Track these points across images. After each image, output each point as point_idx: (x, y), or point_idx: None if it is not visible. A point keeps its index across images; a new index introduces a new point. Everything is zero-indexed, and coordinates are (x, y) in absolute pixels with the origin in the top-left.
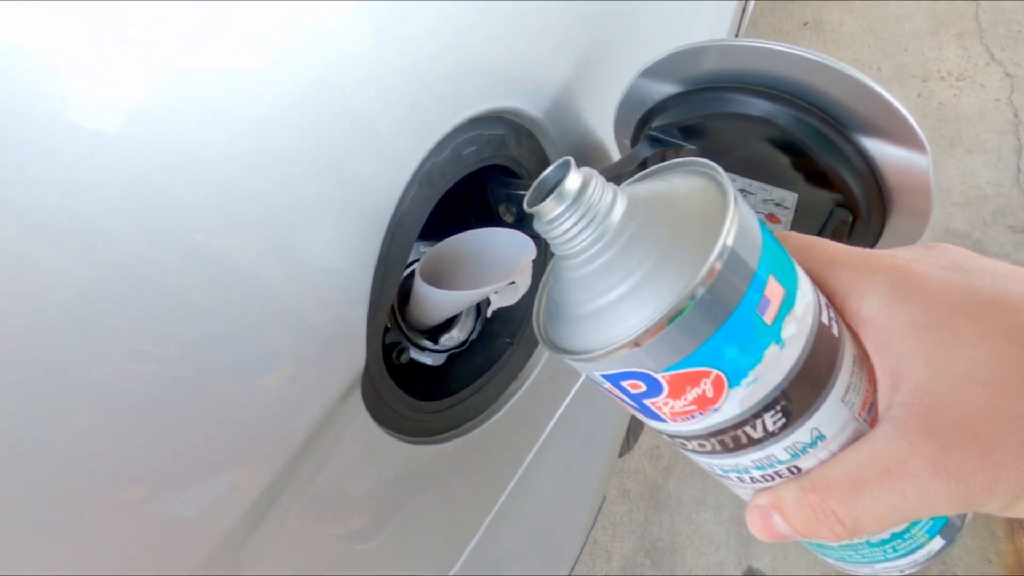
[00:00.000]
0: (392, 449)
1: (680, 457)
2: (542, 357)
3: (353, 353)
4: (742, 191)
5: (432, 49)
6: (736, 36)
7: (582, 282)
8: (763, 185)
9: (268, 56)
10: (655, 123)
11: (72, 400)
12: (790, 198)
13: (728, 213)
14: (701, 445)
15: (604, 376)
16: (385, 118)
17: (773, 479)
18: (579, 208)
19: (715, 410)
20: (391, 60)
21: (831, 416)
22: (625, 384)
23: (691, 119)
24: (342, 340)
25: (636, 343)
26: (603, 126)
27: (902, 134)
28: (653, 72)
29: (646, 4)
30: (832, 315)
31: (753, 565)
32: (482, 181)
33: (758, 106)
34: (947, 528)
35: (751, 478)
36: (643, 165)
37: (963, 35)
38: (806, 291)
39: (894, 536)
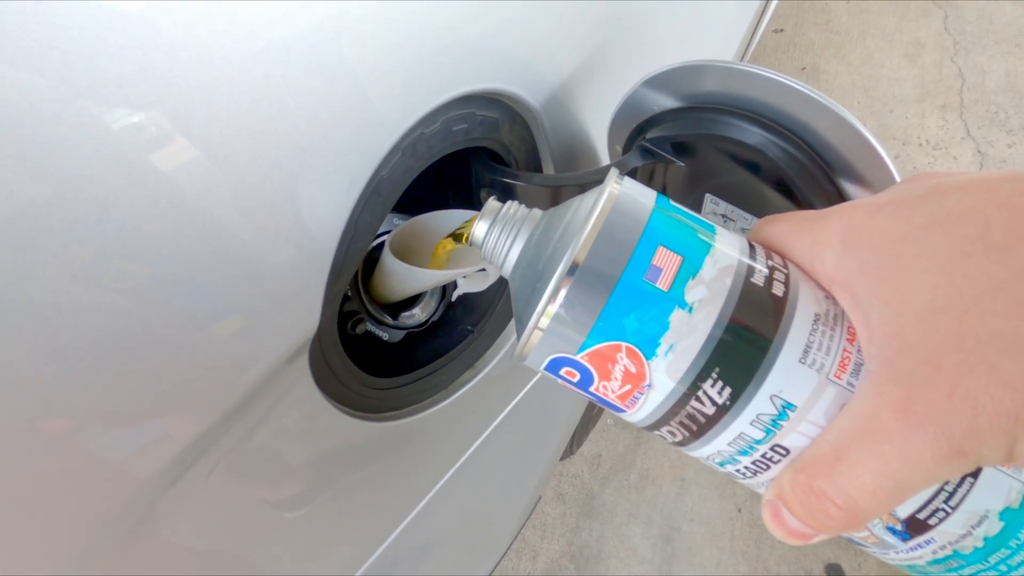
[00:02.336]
0: (333, 420)
1: (618, 468)
2: (501, 349)
3: (307, 315)
4: (723, 216)
5: (442, 17)
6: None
7: (516, 291)
8: (744, 213)
9: None
10: (649, 134)
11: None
12: None
13: (597, 201)
14: (673, 434)
15: (546, 369)
16: (378, 79)
17: (768, 466)
18: (498, 224)
19: (648, 386)
20: (395, 21)
21: (791, 380)
22: (563, 374)
23: (685, 136)
24: (298, 300)
25: (538, 327)
26: (596, 129)
27: (884, 185)
28: (656, 82)
29: (660, 19)
30: (782, 276)
31: None
32: (467, 163)
33: (752, 134)
34: None
35: (747, 469)
36: (632, 175)
37: (945, 108)
38: (723, 255)
39: (990, 543)
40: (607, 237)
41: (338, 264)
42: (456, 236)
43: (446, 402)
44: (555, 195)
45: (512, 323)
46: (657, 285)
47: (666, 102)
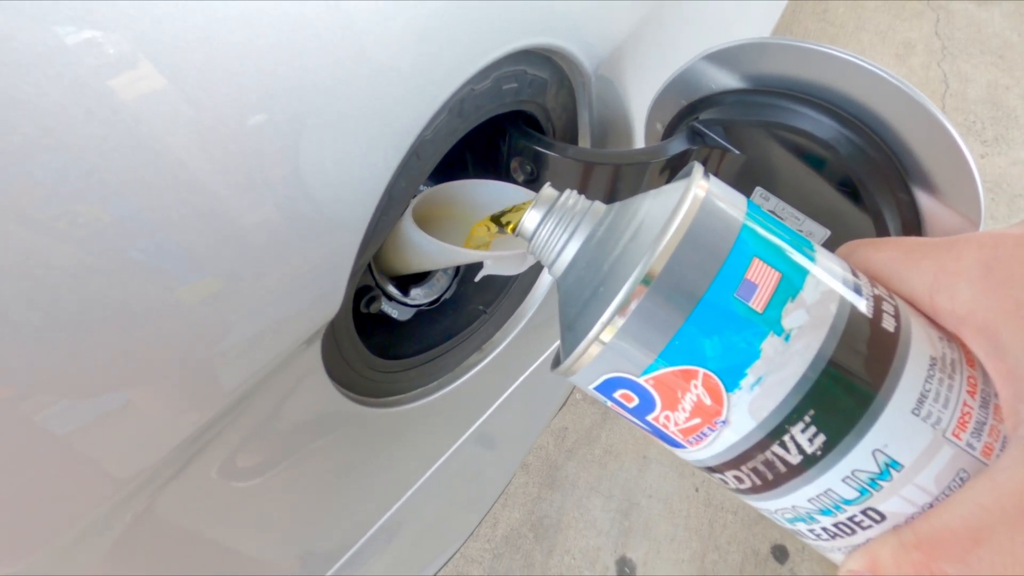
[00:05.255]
0: (339, 407)
1: (583, 443)
2: (511, 332)
3: (330, 294)
4: (772, 212)
5: None
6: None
7: (567, 294)
8: (796, 213)
9: None
10: (703, 115)
11: None
12: (820, 234)
13: (683, 200)
14: (740, 480)
15: (596, 389)
16: (434, 27)
17: (853, 531)
18: (554, 215)
19: (723, 423)
20: None
21: (900, 434)
22: (618, 397)
23: (744, 121)
24: (322, 277)
25: (599, 339)
26: (639, 105)
27: (965, 202)
28: (719, 58)
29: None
30: (891, 308)
31: (628, 555)
32: (494, 127)
33: (824, 127)
34: None
35: (825, 531)
36: (680, 157)
37: None
38: (826, 278)
39: None
40: (693, 242)
41: (368, 237)
42: (499, 221)
43: (449, 387)
44: (586, 171)
45: (525, 304)
46: (750, 304)
47: (727, 81)
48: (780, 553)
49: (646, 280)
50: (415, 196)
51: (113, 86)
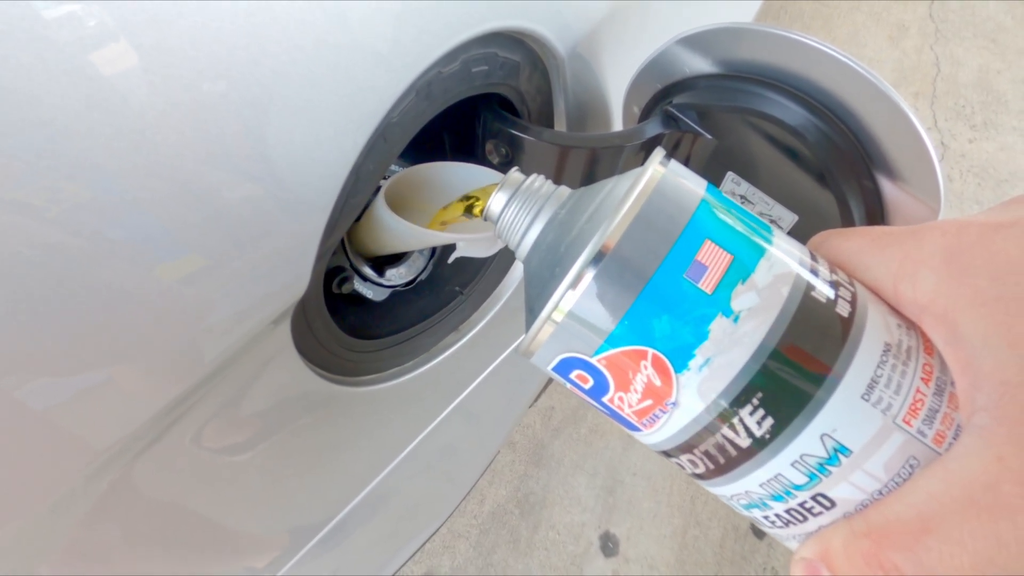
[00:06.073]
0: (312, 386)
1: (570, 422)
2: (488, 312)
3: (296, 276)
4: (742, 198)
5: None
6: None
7: (530, 276)
8: (766, 198)
9: None
10: (676, 99)
11: None
12: (788, 219)
13: (637, 181)
14: (694, 464)
15: (554, 370)
16: (393, 10)
17: (805, 518)
18: (519, 198)
19: (674, 404)
20: None
21: (849, 418)
22: (574, 378)
23: (716, 106)
24: (287, 259)
25: (551, 319)
26: (616, 89)
27: (926, 189)
28: (693, 42)
29: None
30: (848, 294)
31: (611, 531)
32: (471, 109)
33: (794, 114)
34: None
35: (778, 517)
36: (654, 141)
37: (919, 95)
38: (781, 261)
39: None
40: (645, 222)
41: (335, 218)
42: (468, 205)
43: (425, 367)
44: (563, 155)
45: (502, 285)
46: (699, 285)
47: (700, 65)
48: (759, 529)
49: (596, 259)
50: (387, 178)
51: (82, 64)
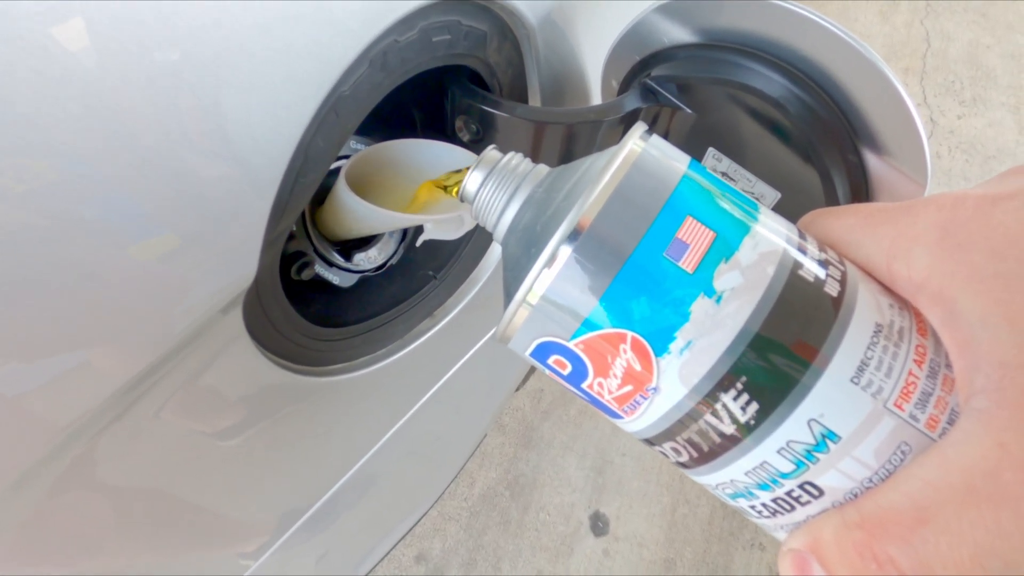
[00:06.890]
0: (272, 376)
1: (558, 403)
2: (464, 297)
3: (242, 262)
4: (723, 174)
5: None
6: None
7: (508, 258)
8: (748, 175)
9: None
10: (655, 71)
11: None
12: (771, 196)
13: (614, 157)
14: (677, 452)
15: (532, 356)
16: None
17: (792, 507)
18: (495, 177)
19: (655, 390)
20: None
21: (837, 403)
22: (552, 363)
23: (696, 78)
24: (231, 244)
25: (526, 302)
26: (593, 61)
27: (912, 164)
28: (671, 10)
29: None
30: (838, 273)
31: (601, 510)
32: (441, 82)
33: (775, 84)
34: None
35: (765, 507)
36: (632, 116)
37: (908, 71)
38: (767, 239)
39: None
40: (623, 198)
41: (283, 200)
42: (443, 185)
43: (399, 354)
44: (538, 132)
45: (479, 269)
46: (680, 264)
47: (679, 35)
48: None
49: (571, 238)
50: (348, 157)
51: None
